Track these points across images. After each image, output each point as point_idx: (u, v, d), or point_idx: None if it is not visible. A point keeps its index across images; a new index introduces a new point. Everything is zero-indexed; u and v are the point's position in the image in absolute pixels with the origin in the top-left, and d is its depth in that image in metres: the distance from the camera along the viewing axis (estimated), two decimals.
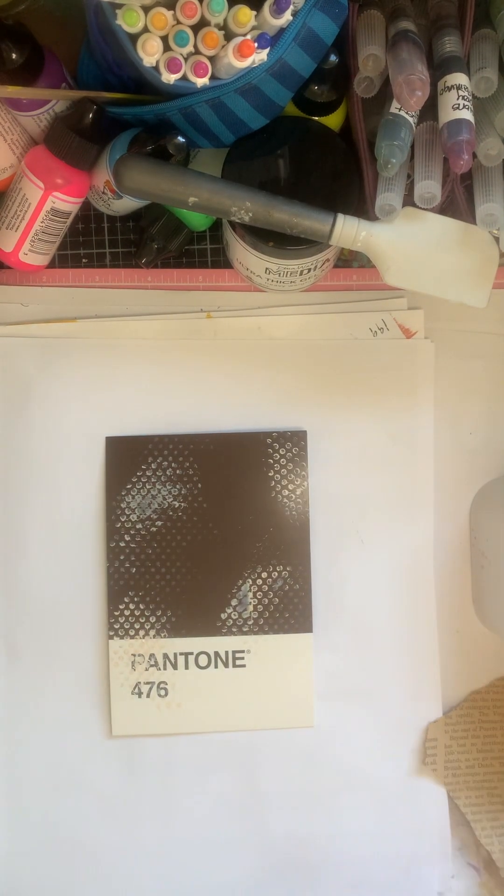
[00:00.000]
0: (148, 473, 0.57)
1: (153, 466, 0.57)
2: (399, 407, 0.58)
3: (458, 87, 0.45)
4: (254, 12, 0.44)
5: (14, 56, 0.47)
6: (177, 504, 0.57)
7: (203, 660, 0.57)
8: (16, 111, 0.51)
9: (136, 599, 0.57)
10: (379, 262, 0.49)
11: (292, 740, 0.57)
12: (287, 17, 0.44)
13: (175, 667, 0.57)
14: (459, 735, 0.58)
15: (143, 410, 0.58)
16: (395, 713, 0.58)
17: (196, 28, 0.45)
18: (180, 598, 0.57)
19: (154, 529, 0.57)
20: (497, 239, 0.50)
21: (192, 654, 0.57)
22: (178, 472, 0.57)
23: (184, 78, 0.45)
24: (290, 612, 0.57)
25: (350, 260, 0.59)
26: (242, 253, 0.53)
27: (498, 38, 0.48)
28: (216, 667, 0.57)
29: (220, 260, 0.59)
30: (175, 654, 0.57)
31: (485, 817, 0.57)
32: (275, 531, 0.57)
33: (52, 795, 0.56)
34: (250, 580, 0.57)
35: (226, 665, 0.57)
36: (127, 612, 0.57)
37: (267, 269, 0.53)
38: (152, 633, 0.57)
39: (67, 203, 0.52)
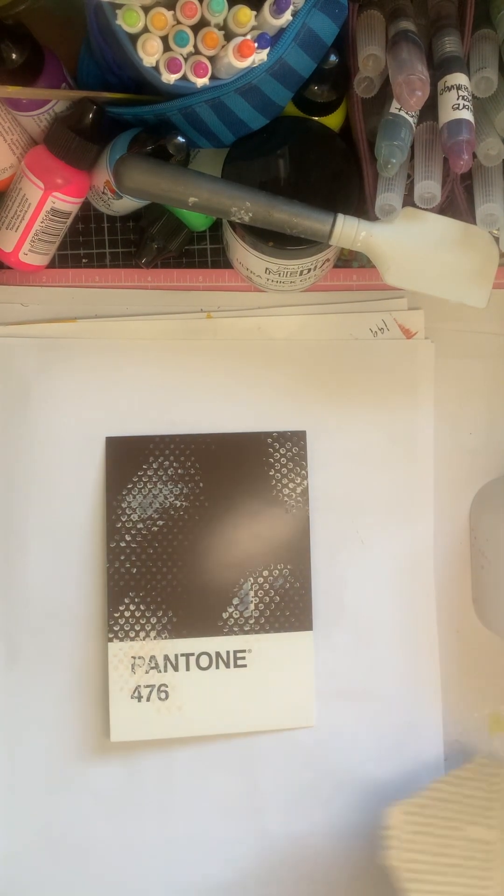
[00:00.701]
0: (150, 473, 0.57)
1: (154, 466, 0.57)
2: (399, 407, 0.58)
3: (458, 87, 0.45)
4: (254, 12, 0.44)
5: (14, 56, 0.47)
6: (178, 503, 0.57)
7: (204, 660, 0.57)
8: (16, 111, 0.51)
9: (136, 600, 0.56)
10: (379, 262, 0.49)
11: (292, 740, 0.57)
12: (287, 17, 0.44)
13: (176, 668, 0.56)
14: None
15: (144, 410, 0.57)
16: (395, 713, 0.58)
17: (196, 28, 0.45)
18: (182, 597, 0.57)
19: (155, 529, 0.57)
20: (497, 239, 0.50)
21: (193, 654, 0.57)
22: (179, 471, 0.57)
23: (184, 78, 0.45)
24: (290, 609, 0.57)
25: (350, 260, 0.59)
26: (242, 253, 0.53)
27: (498, 38, 0.48)
28: (217, 667, 0.57)
29: (220, 260, 0.59)
30: (176, 656, 0.56)
31: None
32: (275, 530, 0.57)
33: (51, 796, 0.56)
34: (252, 578, 0.57)
35: (227, 665, 0.57)
36: (127, 614, 0.56)
37: (267, 269, 0.53)
38: (153, 634, 0.56)
39: (67, 203, 0.52)
